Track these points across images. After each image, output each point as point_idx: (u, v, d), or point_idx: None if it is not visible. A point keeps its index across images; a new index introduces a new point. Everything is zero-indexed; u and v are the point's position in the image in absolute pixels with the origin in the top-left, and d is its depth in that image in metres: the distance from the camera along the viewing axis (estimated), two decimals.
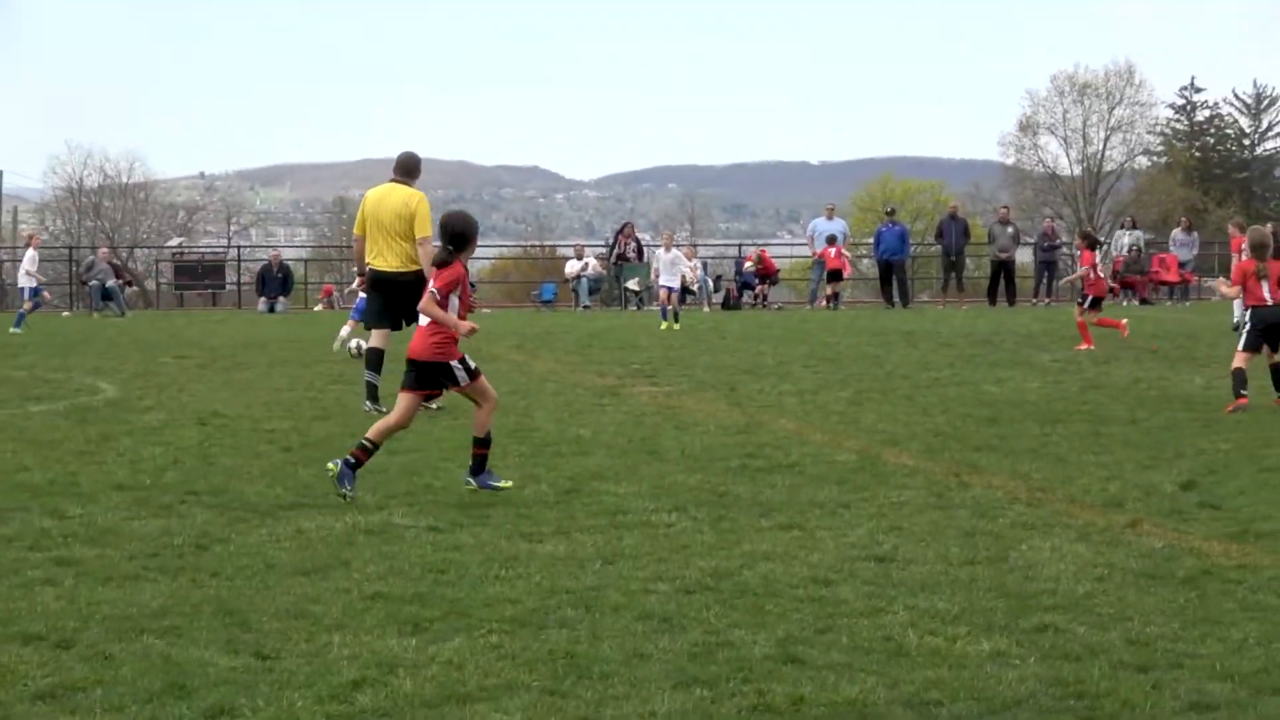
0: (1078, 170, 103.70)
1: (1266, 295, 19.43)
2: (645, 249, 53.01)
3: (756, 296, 51.06)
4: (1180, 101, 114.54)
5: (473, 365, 13.51)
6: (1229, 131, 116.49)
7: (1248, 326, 19.55)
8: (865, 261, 63.08)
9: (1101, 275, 30.34)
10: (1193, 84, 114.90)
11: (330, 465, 13.20)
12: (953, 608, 9.22)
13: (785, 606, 9.31)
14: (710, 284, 51.42)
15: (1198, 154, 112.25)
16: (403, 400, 13.49)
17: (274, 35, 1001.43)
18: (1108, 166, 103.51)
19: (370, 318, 19.57)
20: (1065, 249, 57.34)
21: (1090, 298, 29.28)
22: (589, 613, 9.17)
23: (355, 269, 19.95)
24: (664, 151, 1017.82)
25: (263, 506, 12.75)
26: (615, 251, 51.52)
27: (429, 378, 13.49)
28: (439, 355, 13.34)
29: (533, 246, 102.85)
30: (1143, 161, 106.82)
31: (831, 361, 25.81)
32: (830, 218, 50.38)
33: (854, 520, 12.02)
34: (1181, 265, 52.82)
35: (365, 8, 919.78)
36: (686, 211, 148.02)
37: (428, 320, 13.40)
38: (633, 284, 49.86)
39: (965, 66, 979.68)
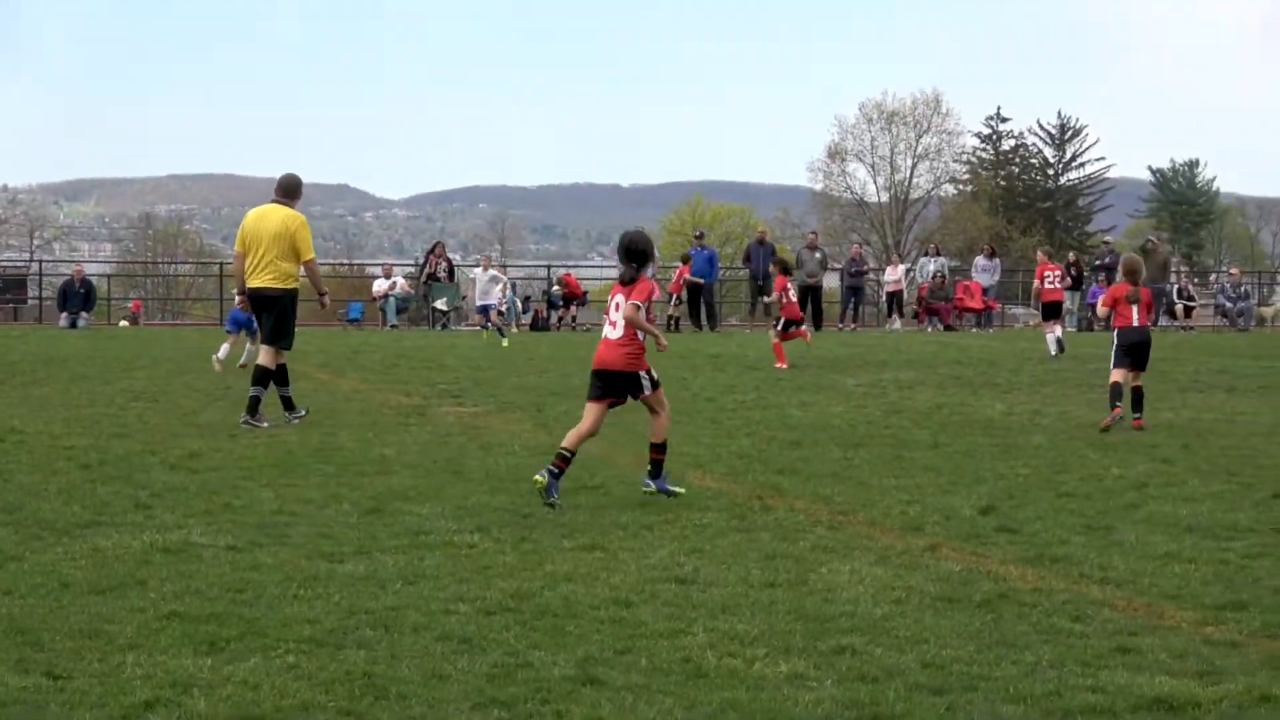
0: (885, 197, 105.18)
1: (1134, 318, 20.73)
2: (456, 269, 52.87)
3: (562, 318, 51.17)
4: (986, 131, 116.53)
5: (655, 376, 14.46)
6: (1034, 161, 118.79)
7: (1114, 345, 20.71)
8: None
9: (793, 299, 31.42)
10: (999, 114, 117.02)
11: (537, 478, 13.63)
12: (752, 630, 9.26)
13: (585, 628, 9.30)
14: (519, 305, 51.44)
15: (1003, 183, 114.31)
16: (591, 410, 14.35)
17: (81, 46, 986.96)
18: (915, 194, 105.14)
19: (262, 334, 20.16)
20: (872, 275, 57.97)
21: (784, 320, 30.69)
22: (388, 633, 9.11)
23: (238, 286, 20.51)
24: (475, 171, 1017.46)
25: (59, 524, 12.53)
26: (425, 271, 51.32)
27: (618, 387, 14.32)
28: (631, 365, 14.24)
29: (341, 265, 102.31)
30: (949, 189, 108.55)
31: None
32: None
33: (656, 542, 12.05)
34: (985, 292, 53.60)
35: (174, 19, 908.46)
36: (497, 232, 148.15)
37: (618, 333, 14.27)
38: (440, 304, 49.73)
39: (776, 92, 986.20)
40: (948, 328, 51.30)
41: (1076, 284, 54.02)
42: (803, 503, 13.98)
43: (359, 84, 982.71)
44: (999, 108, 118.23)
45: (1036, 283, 37.77)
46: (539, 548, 11.79)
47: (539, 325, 50.12)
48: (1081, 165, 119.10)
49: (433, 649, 8.76)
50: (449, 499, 13.95)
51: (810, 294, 49.50)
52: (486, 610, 9.70)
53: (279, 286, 19.54)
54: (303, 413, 19.89)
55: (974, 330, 51.29)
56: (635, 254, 14.47)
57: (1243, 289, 57.25)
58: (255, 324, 21.89)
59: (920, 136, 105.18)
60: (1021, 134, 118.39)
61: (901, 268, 58.11)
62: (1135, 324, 20.75)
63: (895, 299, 54.34)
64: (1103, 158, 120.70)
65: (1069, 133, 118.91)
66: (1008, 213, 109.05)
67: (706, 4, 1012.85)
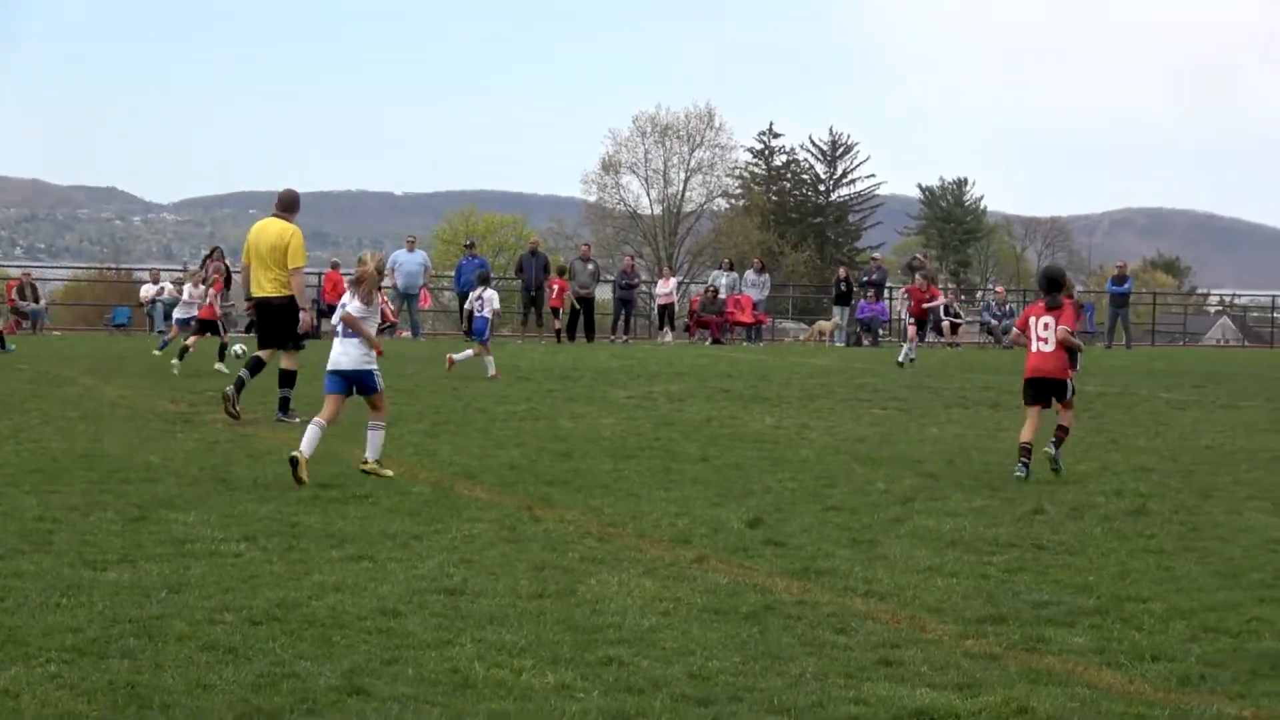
0: (658, 210, 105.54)
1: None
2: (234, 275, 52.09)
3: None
4: (759, 146, 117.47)
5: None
6: (805, 177, 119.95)
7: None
8: (447, 294, 63.19)
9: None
10: (771, 129, 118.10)
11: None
12: (520, 640, 9.27)
13: (352, 638, 9.26)
14: None
15: (775, 197, 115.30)
16: (1033, 414, 17.78)
17: None
18: (687, 207, 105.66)
19: (267, 341, 21.50)
20: (644, 287, 58.18)
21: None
22: (152, 642, 8.99)
23: (245, 295, 21.86)
24: (246, 177, 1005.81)
25: None
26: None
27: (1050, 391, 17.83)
28: (1064, 375, 17.86)
29: (108, 269, 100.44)
30: (721, 203, 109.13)
31: (409, 393, 25.73)
32: (411, 249, 50.24)
33: (425, 552, 12.02)
34: (755, 306, 54.06)
35: None
36: None
37: (1053, 346, 17.65)
38: None
39: (551, 104, 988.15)
40: (716, 341, 51.65)
41: (845, 299, 54.69)
42: (572, 514, 14.02)
43: (129, 84, 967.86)
44: (771, 123, 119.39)
45: (908, 298, 39.08)
46: (306, 557, 11.70)
47: (310, 334, 49.59)
48: (852, 182, 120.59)
49: (197, 658, 8.67)
50: (215, 507, 13.80)
51: (582, 305, 49.65)
52: (252, 620, 9.61)
53: (281, 295, 21.00)
54: (297, 419, 20.35)
55: (744, 344, 51.71)
56: (1054, 282, 18.13)
57: (1007, 307, 58.32)
58: None
59: (693, 150, 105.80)
60: (793, 150, 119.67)
61: (673, 281, 58.43)
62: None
63: (667, 312, 54.60)
64: (873, 175, 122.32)
65: (840, 149, 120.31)
66: (779, 227, 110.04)
67: (482, 13, 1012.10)
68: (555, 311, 49.45)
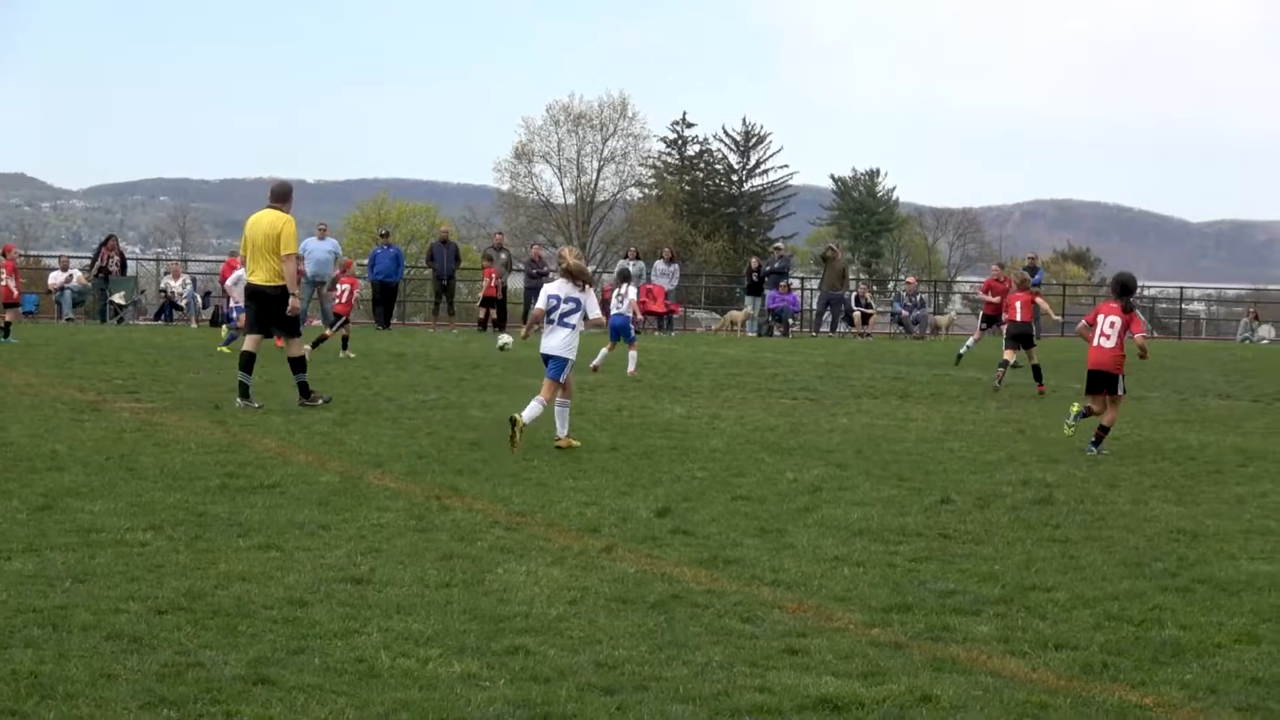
0: (571, 199, 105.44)
1: (1018, 315, 29.45)
2: (129, 262, 51.82)
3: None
4: (672, 136, 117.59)
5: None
6: (718, 167, 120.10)
7: (1005, 334, 30.41)
8: (361, 282, 62.95)
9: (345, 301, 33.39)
10: (684, 119, 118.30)
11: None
12: (427, 629, 9.26)
13: (259, 627, 9.22)
14: (199, 300, 50.65)
15: (688, 187, 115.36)
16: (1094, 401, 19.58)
17: None
18: (601, 196, 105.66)
19: (246, 325, 22.26)
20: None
21: (341, 317, 33.00)
22: (56, 632, 8.93)
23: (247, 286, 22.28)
24: (156, 163, 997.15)
25: None
26: (97, 265, 50.24)
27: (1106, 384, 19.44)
28: (1119, 370, 19.43)
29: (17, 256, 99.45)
30: (635, 193, 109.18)
31: (319, 382, 25.58)
32: (322, 237, 49.91)
33: (333, 541, 11.98)
34: (666, 295, 54.11)
35: None
36: (178, 225, 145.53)
37: (1115, 343, 19.35)
38: (118, 298, 48.85)
39: (464, 91, 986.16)
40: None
41: (757, 289, 54.79)
42: (481, 503, 14.01)
43: (36, 68, 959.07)
44: (685, 113, 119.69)
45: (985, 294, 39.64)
46: (213, 546, 11.65)
47: (219, 320, 49.32)
48: (765, 172, 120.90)
49: (102, 648, 8.62)
50: (122, 496, 13.70)
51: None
52: (158, 609, 9.56)
53: (275, 284, 21.59)
54: (255, 404, 21.35)
55: (656, 334, 51.73)
56: (1125, 288, 19.68)
57: (919, 297, 58.61)
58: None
59: (607, 140, 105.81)
60: (707, 140, 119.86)
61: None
62: (1019, 319, 29.34)
63: None
64: (786, 165, 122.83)
65: (753, 140, 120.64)
66: (692, 217, 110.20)
67: (396, 1, 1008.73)
68: (491, 301, 49.24)
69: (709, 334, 56.74)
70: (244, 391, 21.54)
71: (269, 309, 21.84)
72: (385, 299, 49.52)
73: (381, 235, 55.37)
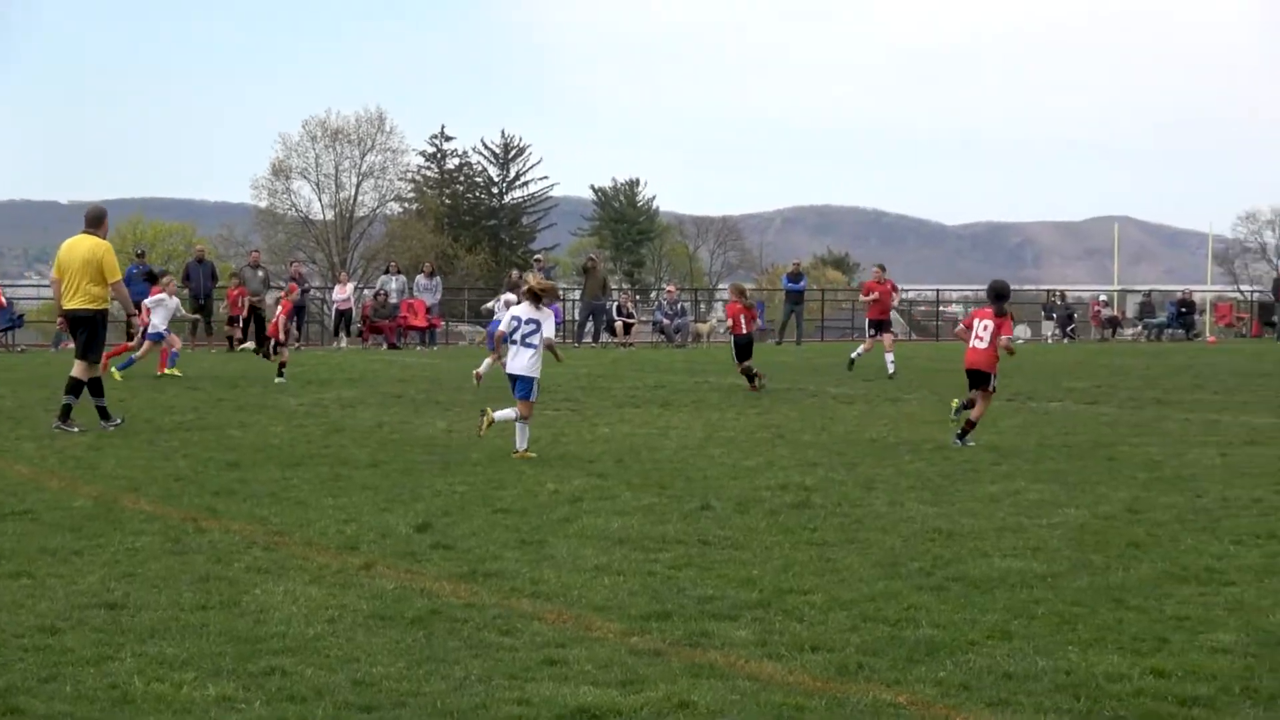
0: (331, 215, 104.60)
1: (743, 328, 31.12)
2: None
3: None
4: (431, 150, 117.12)
5: None
6: (478, 180, 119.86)
7: (733, 345, 31.46)
8: (114, 303, 61.88)
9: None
10: (443, 132, 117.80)
11: None
12: (181, 653, 9.13)
13: (9, 656, 9.04)
14: None
15: (448, 201, 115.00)
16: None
17: None
18: (360, 212, 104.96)
19: (76, 351, 22.23)
20: (316, 292, 57.60)
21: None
22: None
23: (55, 309, 22.94)
24: None
25: None
26: None
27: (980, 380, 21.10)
28: (991, 369, 21.17)
29: None
30: (395, 207, 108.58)
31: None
32: None
33: (86, 567, 11.77)
34: (429, 310, 53.90)
35: None
36: None
37: (987, 344, 20.91)
38: None
39: (218, 108, 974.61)
40: (391, 346, 51.42)
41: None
42: (238, 524, 13.84)
43: None
44: (443, 126, 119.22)
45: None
46: None
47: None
48: (525, 184, 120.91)
49: None
50: None
51: (253, 313, 48.99)
52: None
53: (91, 308, 21.83)
54: (119, 420, 22.06)
55: (418, 348, 51.51)
56: (999, 295, 21.26)
57: (679, 305, 58.93)
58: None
59: (365, 155, 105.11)
60: (466, 153, 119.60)
61: (350, 285, 57.99)
62: (744, 331, 31.10)
63: (344, 318, 54.16)
64: (546, 177, 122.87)
65: (513, 152, 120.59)
66: (453, 230, 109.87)
67: (144, 13, 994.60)
68: (235, 319, 48.68)
69: (472, 347, 56.57)
70: (65, 414, 21.66)
71: (88, 331, 21.92)
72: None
73: (137, 255, 54.61)
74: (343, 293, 55.49)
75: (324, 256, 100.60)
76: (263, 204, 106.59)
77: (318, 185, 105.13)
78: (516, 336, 19.32)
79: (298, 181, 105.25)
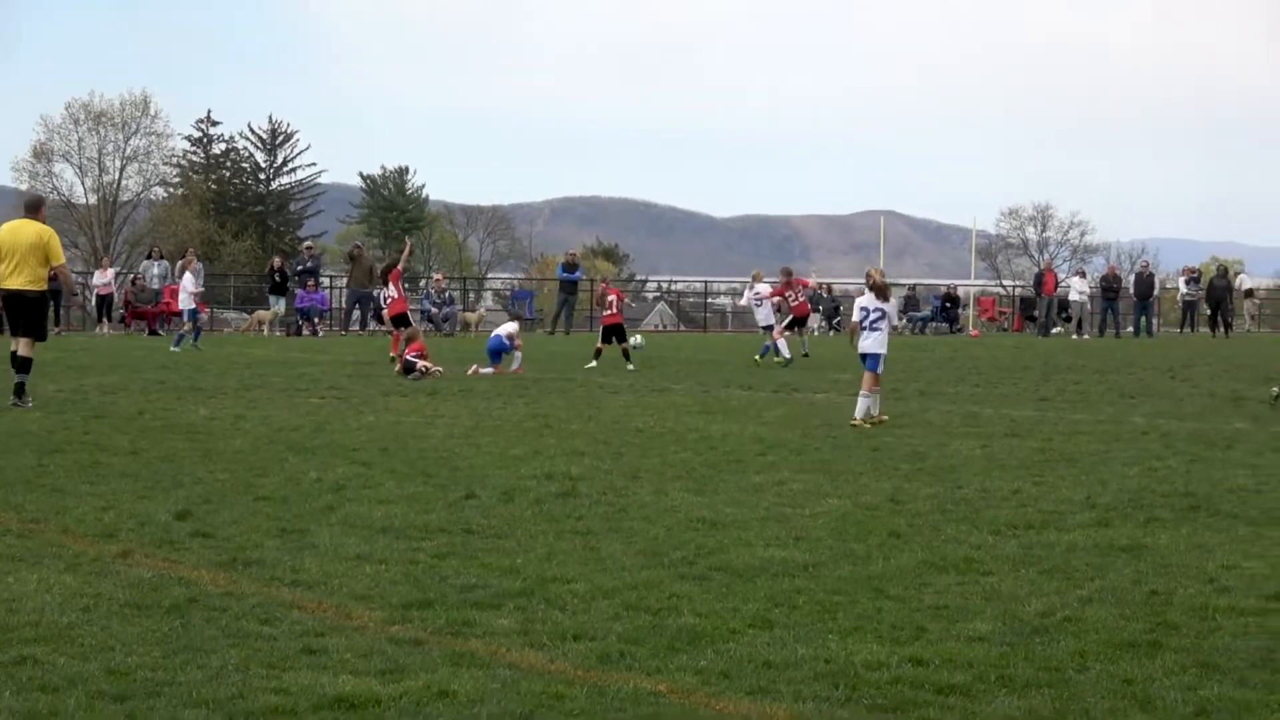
0: (94, 199, 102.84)
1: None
2: None
3: None
4: (197, 134, 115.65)
5: None
6: (245, 165, 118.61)
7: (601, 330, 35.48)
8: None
9: None
10: (209, 117, 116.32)
11: None
12: None
13: None
14: None
15: (215, 186, 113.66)
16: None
17: None
18: (124, 196, 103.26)
19: (19, 331, 23.28)
20: (78, 277, 56.47)
21: None
22: None
23: None
24: None
25: None
26: None
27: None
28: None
29: None
30: (160, 192, 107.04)
31: None
32: None
33: None
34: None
35: None
36: None
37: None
38: None
39: None
40: (153, 332, 50.72)
41: (280, 289, 54.31)
42: None
43: None
44: (210, 111, 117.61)
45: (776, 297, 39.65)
46: None
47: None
48: (293, 170, 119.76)
49: None
50: None
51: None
52: None
53: (35, 289, 23.10)
54: (29, 403, 23.00)
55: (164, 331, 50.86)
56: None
57: (447, 294, 58.71)
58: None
59: (129, 138, 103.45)
60: (233, 138, 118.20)
61: (111, 271, 57.07)
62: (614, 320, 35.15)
63: (106, 303, 53.29)
64: (314, 163, 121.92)
65: (280, 137, 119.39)
66: (220, 216, 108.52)
67: None
68: None
69: (236, 334, 55.94)
70: (19, 391, 23.02)
71: (28, 312, 23.21)
72: None
73: None
74: (104, 277, 54.59)
75: (86, 241, 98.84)
76: (24, 186, 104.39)
77: (80, 168, 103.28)
78: (866, 323, 22.74)
79: (60, 164, 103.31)
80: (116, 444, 18.41)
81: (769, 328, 39.06)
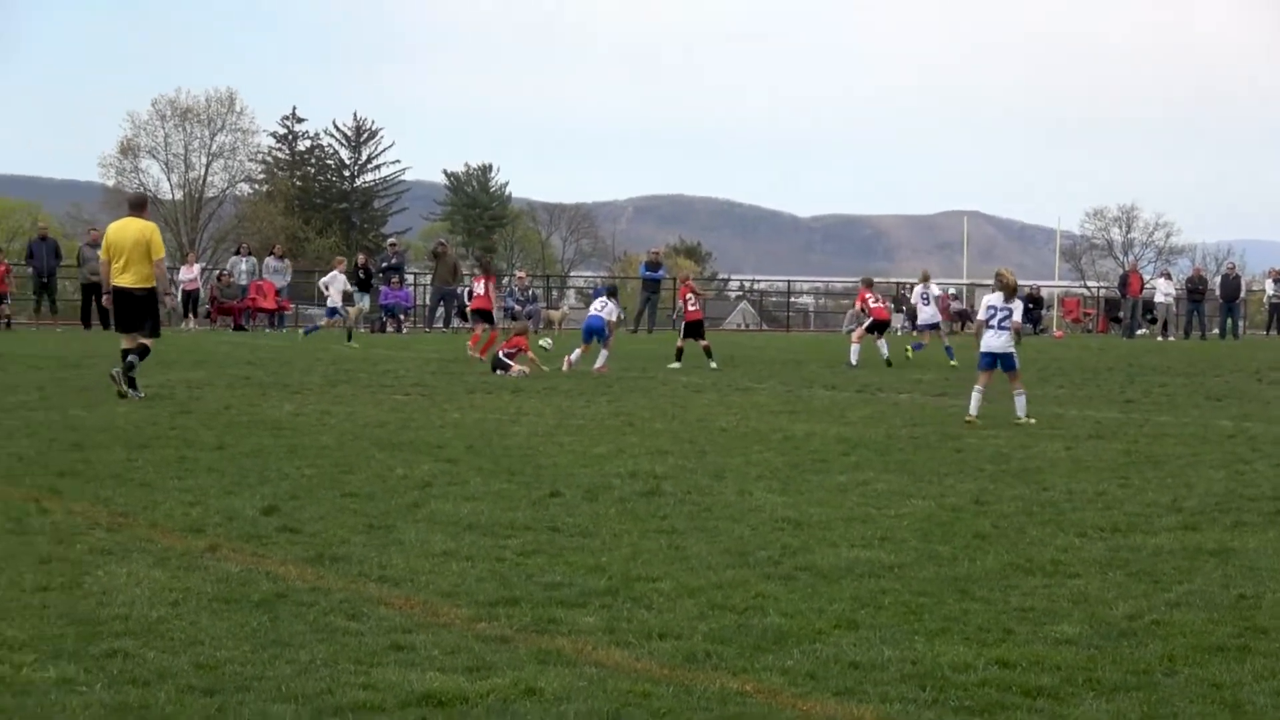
0: (180, 195, 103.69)
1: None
2: None
3: None
4: (282, 131, 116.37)
5: None
6: (330, 162, 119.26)
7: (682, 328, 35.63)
8: None
9: None
10: (295, 114, 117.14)
11: None
12: (21, 635, 8.98)
13: None
14: None
15: (299, 183, 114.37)
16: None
17: None
18: (210, 192, 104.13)
19: (117, 325, 23.89)
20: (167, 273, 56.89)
21: None
22: None
23: (104, 287, 24.20)
24: None
25: None
26: None
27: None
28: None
29: None
30: (245, 189, 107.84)
31: None
32: None
33: None
34: (278, 293, 53.56)
35: None
36: None
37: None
38: None
39: (66, 84, 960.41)
40: (239, 328, 51.03)
41: (365, 285, 54.60)
42: (82, 505, 13.65)
43: None
44: (295, 108, 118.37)
45: (858, 305, 40.30)
46: None
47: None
48: (378, 167, 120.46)
49: None
50: None
51: (95, 292, 48.43)
52: None
53: (142, 286, 23.45)
54: (141, 394, 23.32)
55: (267, 330, 51.16)
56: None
57: (531, 292, 58.88)
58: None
59: (215, 135, 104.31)
60: (318, 135, 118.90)
61: (197, 266, 57.51)
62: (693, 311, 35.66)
63: (192, 299, 53.68)
64: (398, 160, 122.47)
65: (365, 134, 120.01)
66: (304, 213, 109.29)
67: None
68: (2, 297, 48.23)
69: (323, 330, 56.21)
70: (133, 383, 23.25)
71: (137, 308, 23.47)
72: None
73: None
74: (190, 273, 54.98)
75: (172, 236, 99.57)
76: (110, 182, 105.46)
77: (166, 165, 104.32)
78: (994, 322, 23.01)
79: (146, 160, 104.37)
80: (203, 439, 18.53)
81: (933, 326, 39.20)
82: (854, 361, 36.02)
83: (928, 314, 39.31)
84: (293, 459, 16.99)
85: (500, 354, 30.92)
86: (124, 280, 23.48)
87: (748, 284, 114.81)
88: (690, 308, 35.96)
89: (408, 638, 9.18)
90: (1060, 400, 27.10)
